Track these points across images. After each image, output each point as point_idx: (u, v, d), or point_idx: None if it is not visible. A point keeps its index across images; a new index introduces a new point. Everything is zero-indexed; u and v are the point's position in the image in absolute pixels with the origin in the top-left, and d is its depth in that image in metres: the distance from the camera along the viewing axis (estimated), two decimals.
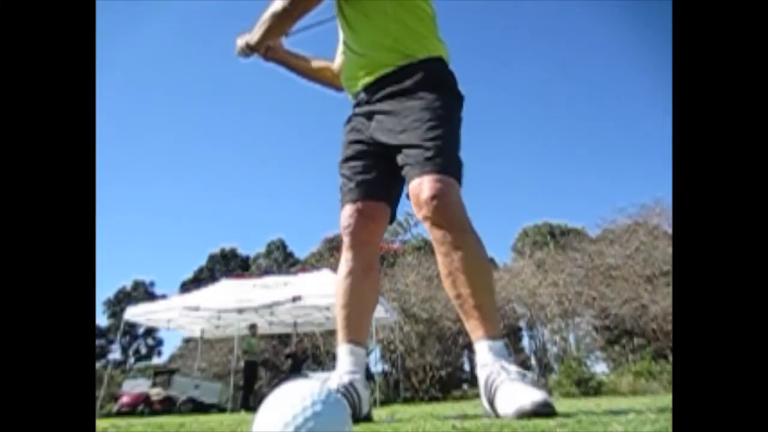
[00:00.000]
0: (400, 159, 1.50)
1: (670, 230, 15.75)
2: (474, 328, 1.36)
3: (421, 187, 1.38)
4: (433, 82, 1.53)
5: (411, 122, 1.46)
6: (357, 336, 1.53)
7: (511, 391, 1.22)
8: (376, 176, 1.61)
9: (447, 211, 1.37)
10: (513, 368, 1.29)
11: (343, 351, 1.51)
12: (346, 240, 1.61)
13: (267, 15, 1.67)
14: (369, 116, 1.61)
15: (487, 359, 1.32)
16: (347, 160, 1.65)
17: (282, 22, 1.69)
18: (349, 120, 1.71)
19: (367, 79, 1.61)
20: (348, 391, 1.38)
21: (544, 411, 1.12)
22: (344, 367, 1.47)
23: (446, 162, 1.42)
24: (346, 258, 1.61)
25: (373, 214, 1.60)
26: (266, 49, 1.87)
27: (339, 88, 1.94)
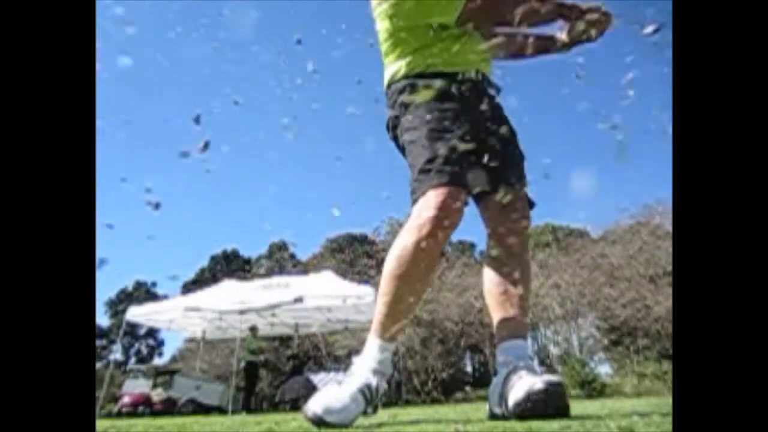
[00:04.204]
0: (500, 164, 1.45)
1: None
2: (512, 323, 1.46)
3: (526, 200, 1.57)
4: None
5: (510, 134, 1.59)
6: (394, 334, 1.41)
7: (527, 378, 1.24)
8: (478, 169, 1.43)
9: (527, 226, 1.58)
10: (538, 369, 1.36)
11: (375, 347, 1.39)
12: (429, 226, 1.32)
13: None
14: (485, 101, 1.48)
15: (522, 356, 1.39)
16: (453, 134, 1.38)
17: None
18: (460, 94, 1.44)
19: (488, 67, 1.60)
20: (370, 390, 1.32)
21: (554, 390, 1.15)
22: (372, 365, 1.37)
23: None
24: (418, 250, 1.33)
25: (462, 209, 1.39)
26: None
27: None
